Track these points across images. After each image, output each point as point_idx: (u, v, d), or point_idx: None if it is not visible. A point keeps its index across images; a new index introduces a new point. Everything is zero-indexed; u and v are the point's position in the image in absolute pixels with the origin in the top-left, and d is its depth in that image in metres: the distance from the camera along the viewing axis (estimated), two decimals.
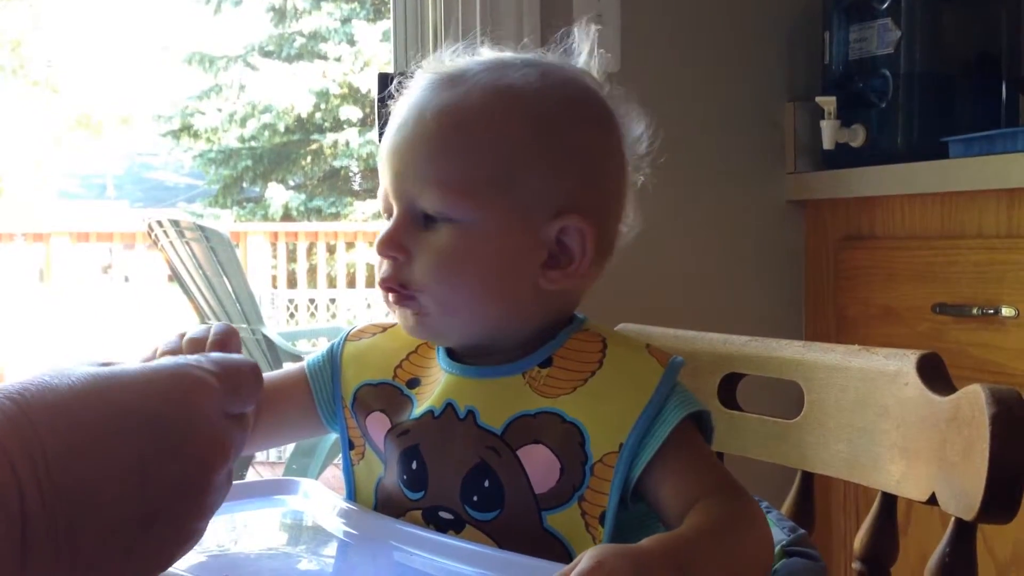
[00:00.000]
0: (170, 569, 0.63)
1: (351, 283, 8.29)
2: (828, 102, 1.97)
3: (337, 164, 10.63)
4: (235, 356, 0.66)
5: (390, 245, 0.82)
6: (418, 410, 0.84)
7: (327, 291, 7.73)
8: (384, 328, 0.91)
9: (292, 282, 8.02)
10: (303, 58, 10.57)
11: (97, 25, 12.12)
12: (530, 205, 0.81)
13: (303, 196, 10.59)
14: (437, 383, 0.85)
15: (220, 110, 10.71)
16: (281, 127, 10.48)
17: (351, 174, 10.84)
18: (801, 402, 0.97)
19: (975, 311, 1.73)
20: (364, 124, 10.21)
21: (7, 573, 0.53)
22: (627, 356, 0.82)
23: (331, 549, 0.84)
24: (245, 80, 10.66)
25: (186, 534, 0.61)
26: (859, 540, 0.91)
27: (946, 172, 1.79)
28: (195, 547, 0.77)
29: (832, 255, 2.04)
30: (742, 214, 2.07)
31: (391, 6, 1.91)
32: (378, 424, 0.86)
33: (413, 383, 0.87)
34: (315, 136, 10.55)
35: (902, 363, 0.88)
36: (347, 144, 10.36)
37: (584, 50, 0.88)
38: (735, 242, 2.07)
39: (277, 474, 4.31)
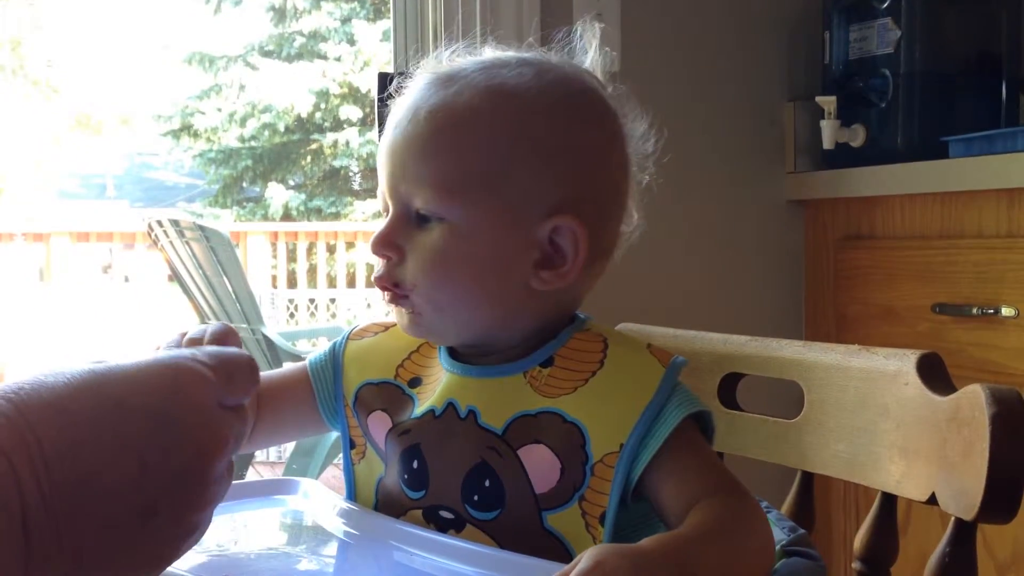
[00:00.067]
0: (170, 569, 0.63)
1: (351, 283, 8.30)
2: (828, 102, 1.97)
3: (337, 164, 10.63)
4: (230, 349, 0.66)
5: (384, 244, 0.83)
6: (419, 409, 0.84)
7: (327, 291, 7.73)
8: (386, 327, 0.91)
9: (292, 282, 8.02)
10: (303, 58, 10.57)
11: (97, 25, 12.13)
12: (522, 205, 0.81)
13: (303, 196, 10.59)
14: (438, 382, 0.85)
15: (220, 110, 10.71)
16: (281, 127, 10.48)
17: (351, 174, 10.84)
18: (801, 402, 0.97)
19: (975, 311, 1.73)
20: (364, 124, 10.20)
21: (10, 570, 0.53)
22: (628, 356, 0.82)
23: (331, 549, 0.84)
24: (245, 80, 10.66)
25: (188, 526, 0.60)
26: (859, 540, 0.91)
27: (946, 172, 1.79)
28: (195, 547, 0.78)
29: (832, 255, 2.04)
30: (742, 214, 2.08)
31: (391, 6, 1.91)
32: (379, 423, 0.86)
33: (415, 382, 0.87)
34: (315, 136, 10.55)
35: (902, 363, 0.88)
36: (347, 144, 10.36)
37: (590, 48, 0.88)
38: (735, 242, 2.08)
39: (277, 474, 4.31)
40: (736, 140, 2.07)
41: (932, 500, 0.84)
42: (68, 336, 6.83)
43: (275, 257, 7.62)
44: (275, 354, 3.61)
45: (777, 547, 0.87)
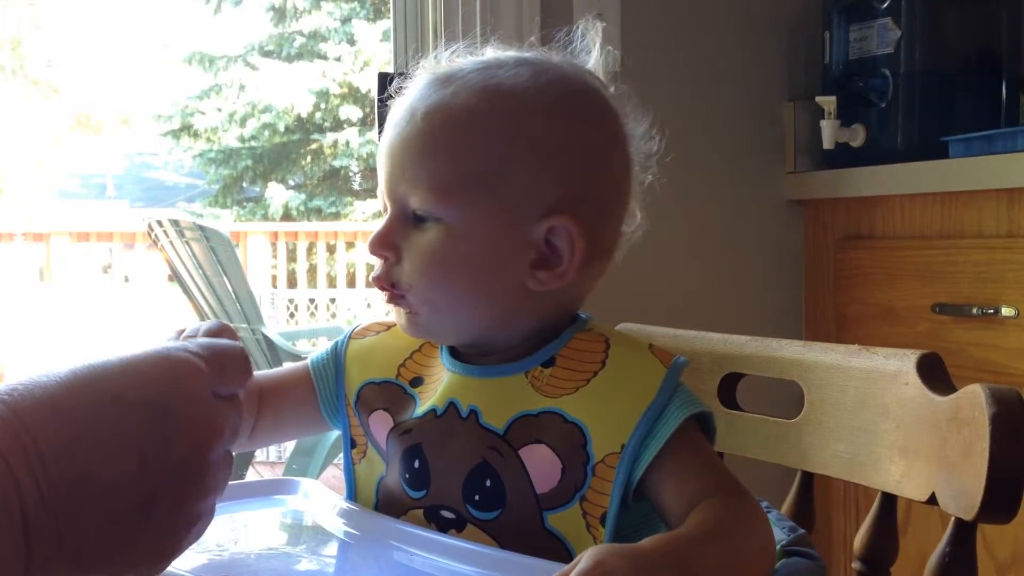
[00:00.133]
0: (170, 569, 0.63)
1: (351, 283, 8.30)
2: (828, 102, 1.97)
3: (337, 164, 10.63)
4: (221, 340, 0.66)
5: (381, 244, 0.83)
6: (421, 409, 0.84)
7: (327, 291, 7.73)
8: (388, 326, 0.91)
9: (292, 282, 8.02)
10: (303, 58, 10.57)
11: (97, 25, 12.13)
12: (518, 205, 0.81)
13: (303, 196, 10.59)
14: (440, 382, 0.85)
15: (220, 110, 10.71)
16: (281, 127, 10.47)
17: (351, 174, 10.84)
18: (801, 402, 0.97)
19: (975, 311, 1.73)
20: (364, 124, 10.20)
21: (10, 571, 0.53)
22: (630, 356, 0.82)
23: (331, 549, 0.84)
24: (245, 80, 10.66)
25: (189, 517, 0.60)
26: (859, 540, 0.91)
27: (946, 172, 1.79)
28: (195, 547, 0.78)
29: (832, 255, 2.04)
30: (742, 214, 2.08)
31: (391, 6, 1.91)
32: (381, 423, 0.86)
33: (416, 382, 0.87)
34: (315, 136, 10.55)
35: (902, 363, 0.88)
36: (347, 144, 10.36)
37: (594, 46, 0.88)
38: (735, 242, 2.08)
39: (277, 474, 4.31)
40: (736, 140, 2.07)
41: (932, 500, 0.84)
42: (68, 336, 6.83)
43: (275, 257, 7.63)
44: (275, 354, 3.61)
45: (777, 547, 0.87)
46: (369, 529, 0.83)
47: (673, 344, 1.06)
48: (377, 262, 0.84)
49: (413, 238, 0.82)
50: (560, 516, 0.79)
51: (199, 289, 3.84)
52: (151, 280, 7.61)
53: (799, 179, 2.08)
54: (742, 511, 0.75)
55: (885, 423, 0.89)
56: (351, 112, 10.27)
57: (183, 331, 0.82)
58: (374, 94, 1.95)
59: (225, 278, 3.67)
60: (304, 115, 10.37)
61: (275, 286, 7.52)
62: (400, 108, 0.84)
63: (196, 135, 10.77)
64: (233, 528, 0.88)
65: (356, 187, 10.78)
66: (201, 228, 3.77)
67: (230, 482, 0.88)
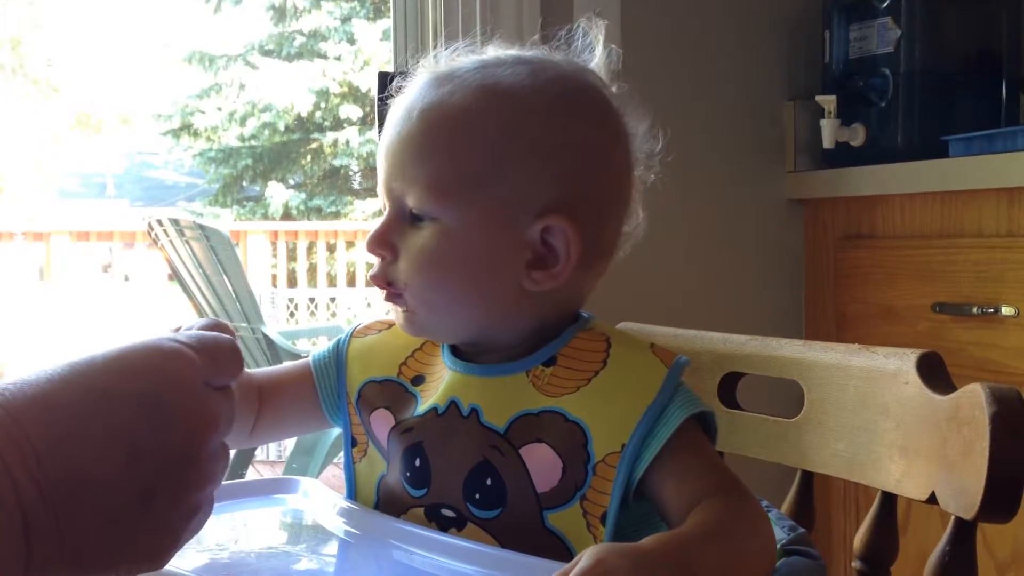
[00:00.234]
0: (170, 568, 0.63)
1: (351, 282, 8.30)
2: (828, 101, 1.97)
3: (337, 163, 10.63)
4: (211, 332, 0.66)
5: (378, 243, 0.83)
6: (422, 407, 0.84)
7: (327, 290, 7.74)
8: (390, 325, 0.91)
9: (292, 281, 8.02)
10: (303, 57, 10.56)
11: (97, 24, 12.13)
12: (513, 205, 0.81)
13: (303, 195, 10.59)
14: (441, 380, 0.85)
15: (220, 109, 10.71)
16: (281, 126, 10.47)
17: (351, 173, 10.84)
18: (801, 401, 0.97)
19: (975, 310, 1.73)
20: (364, 123, 10.20)
21: (12, 570, 0.53)
22: (631, 356, 0.82)
23: (331, 548, 0.84)
24: (245, 79, 10.66)
25: (188, 508, 0.60)
26: (859, 539, 0.92)
27: (946, 171, 1.79)
28: (195, 546, 0.78)
29: (832, 254, 2.04)
30: (742, 213, 2.08)
31: (391, 5, 1.92)
32: (382, 421, 0.86)
33: (417, 380, 0.87)
34: (315, 135, 10.55)
35: (902, 362, 0.88)
36: (347, 143, 10.36)
37: (598, 45, 0.88)
38: (735, 241, 2.08)
39: (277, 473, 4.31)
40: (736, 139, 2.07)
41: (932, 499, 0.84)
42: (68, 335, 6.83)
43: (275, 256, 7.63)
44: (275, 353, 3.61)
45: (777, 546, 0.87)
46: (369, 528, 0.83)
47: (673, 343, 1.06)
48: (375, 260, 0.85)
49: (410, 237, 0.82)
50: (560, 515, 0.79)
51: (199, 288, 3.84)
52: (151, 279, 7.61)
53: (799, 178, 2.08)
54: (743, 511, 0.75)
55: (885, 422, 0.89)
56: (351, 111, 10.27)
57: (178, 328, 0.82)
58: (374, 93, 1.95)
59: (225, 277, 3.67)
60: (304, 114, 10.37)
61: (275, 285, 7.52)
62: (399, 107, 0.84)
63: (196, 134, 10.77)
64: (233, 527, 0.88)
65: (356, 186, 10.78)
66: (201, 227, 3.77)
67: (230, 481, 0.89)
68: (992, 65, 1.91)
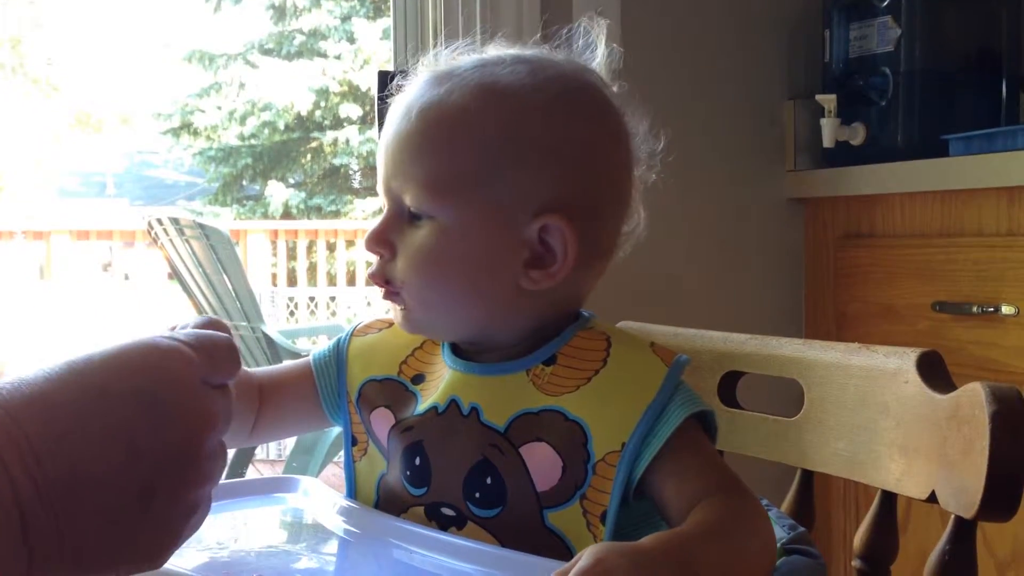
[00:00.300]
0: (171, 567, 0.63)
1: (351, 281, 8.30)
2: (828, 100, 1.97)
3: (337, 162, 10.63)
4: (208, 331, 0.66)
5: (376, 241, 0.83)
6: (422, 406, 0.84)
7: (327, 289, 7.74)
8: (390, 324, 0.91)
9: (292, 280, 8.02)
10: (303, 56, 10.56)
11: (97, 23, 12.13)
12: (510, 204, 0.81)
13: (303, 194, 10.59)
14: (442, 379, 0.85)
15: (220, 108, 10.71)
16: (281, 125, 10.47)
17: (351, 172, 10.84)
18: (801, 400, 0.97)
19: (975, 309, 1.73)
20: (364, 122, 10.20)
21: (13, 566, 0.53)
22: (631, 355, 0.82)
23: (331, 547, 0.84)
24: (245, 78, 10.66)
25: (189, 505, 0.60)
26: (859, 538, 0.92)
27: (946, 170, 1.79)
28: (195, 546, 0.78)
29: (832, 253, 2.04)
30: (742, 212, 2.08)
31: (391, 4, 1.92)
32: (382, 420, 0.86)
33: (418, 379, 0.87)
34: (315, 134, 10.55)
35: (902, 361, 0.88)
36: (347, 142, 10.36)
37: (600, 44, 0.88)
38: (735, 240, 2.08)
39: (277, 472, 4.31)
40: (736, 138, 2.07)
41: (932, 498, 0.84)
42: (68, 334, 6.83)
43: (275, 255, 7.63)
44: (275, 352, 3.61)
45: (777, 545, 0.87)
46: (369, 527, 0.83)
47: (673, 342, 1.06)
48: (374, 259, 0.85)
49: (408, 235, 0.82)
50: (560, 514, 0.79)
51: (199, 287, 3.84)
52: (151, 278, 7.62)
53: (799, 177, 2.08)
54: (743, 510, 0.75)
55: (885, 421, 0.89)
56: (351, 110, 10.27)
57: (174, 328, 0.82)
58: (374, 92, 1.95)
59: (225, 276, 3.67)
60: (304, 113, 10.38)
61: (275, 284, 7.52)
62: (398, 106, 0.85)
63: (196, 133, 10.77)
64: (233, 526, 0.88)
65: (356, 185, 10.78)
66: (201, 226, 3.77)
67: (230, 480, 0.89)
68: (992, 64, 1.91)
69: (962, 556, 0.83)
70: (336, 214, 10.40)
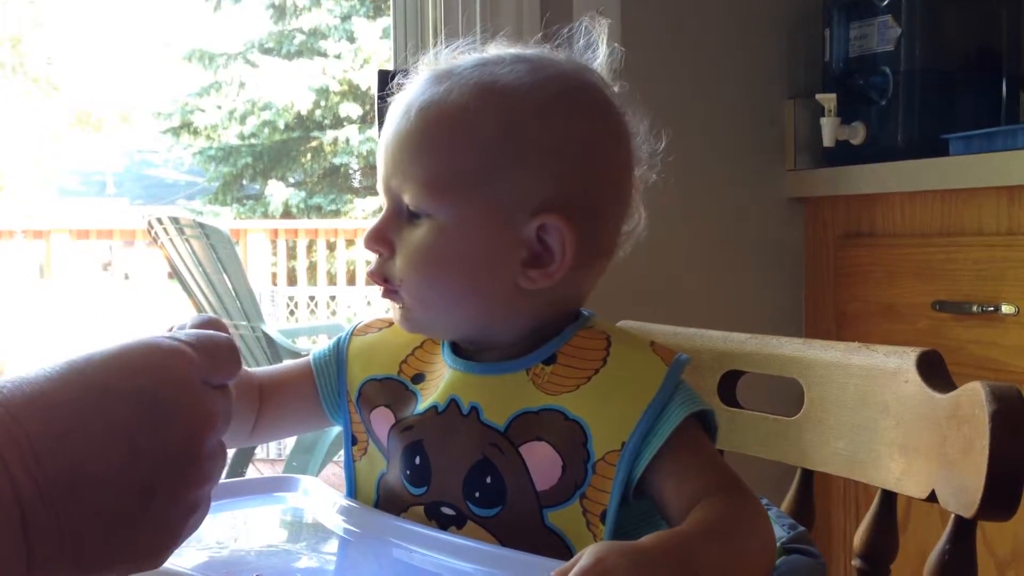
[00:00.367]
0: (171, 567, 0.63)
1: (351, 280, 8.30)
2: (828, 99, 1.97)
3: (337, 161, 10.63)
4: (209, 331, 0.66)
5: (375, 239, 0.83)
6: (422, 406, 0.84)
7: (327, 288, 7.74)
8: (390, 323, 0.91)
9: (292, 279, 8.02)
10: (303, 55, 10.56)
11: (97, 22, 12.13)
12: (508, 203, 0.81)
13: (303, 193, 10.60)
14: (442, 379, 0.85)
15: (220, 107, 10.71)
16: (281, 124, 10.48)
17: (351, 171, 10.84)
18: (801, 399, 0.97)
19: (975, 308, 1.73)
20: (364, 121, 10.20)
21: (13, 565, 0.53)
22: (631, 354, 0.82)
23: (331, 546, 0.84)
24: (245, 77, 10.66)
25: (187, 506, 0.60)
26: (859, 537, 0.92)
27: (946, 169, 1.79)
28: (196, 545, 0.78)
29: (832, 252, 2.04)
30: (742, 211, 2.08)
31: (391, 3, 1.92)
32: (382, 419, 0.86)
33: (418, 378, 0.87)
34: (315, 133, 10.55)
35: (902, 360, 0.88)
36: (347, 141, 10.36)
37: (601, 43, 0.88)
38: (735, 239, 2.08)
39: (277, 471, 4.31)
40: (736, 138, 2.07)
41: (932, 497, 0.84)
42: (68, 333, 6.83)
43: (275, 255, 7.63)
44: (275, 351, 3.61)
45: (777, 544, 0.87)
46: (369, 526, 0.83)
47: (673, 342, 1.06)
48: (373, 257, 0.85)
49: (407, 234, 0.82)
50: (560, 513, 0.79)
51: (199, 286, 3.84)
52: (151, 277, 7.62)
53: (799, 177, 2.08)
54: (743, 509, 0.75)
55: (885, 420, 0.89)
56: (351, 110, 10.27)
57: (171, 329, 0.82)
58: (374, 91, 1.95)
59: (225, 276, 3.67)
60: (304, 112, 10.38)
61: (275, 284, 7.52)
62: (398, 104, 0.85)
63: (196, 132, 10.77)
64: (233, 525, 0.88)
65: (356, 184, 10.78)
66: (201, 226, 3.77)
67: (230, 479, 0.88)
68: (992, 63, 1.91)
69: (962, 555, 0.83)
70: (336, 213, 10.40)
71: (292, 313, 7.35)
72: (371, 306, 7.13)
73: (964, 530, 0.83)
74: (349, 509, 0.86)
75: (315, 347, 1.05)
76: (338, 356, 0.91)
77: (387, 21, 3.34)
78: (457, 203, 0.81)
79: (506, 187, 0.81)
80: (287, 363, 0.96)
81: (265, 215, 10.34)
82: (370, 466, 0.89)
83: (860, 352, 0.93)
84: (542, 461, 0.79)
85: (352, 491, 0.90)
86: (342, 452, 0.92)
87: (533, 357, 0.83)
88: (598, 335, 0.84)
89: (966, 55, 1.91)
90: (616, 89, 0.87)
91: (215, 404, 0.62)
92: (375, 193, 0.88)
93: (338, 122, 10.42)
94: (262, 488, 0.94)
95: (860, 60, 1.96)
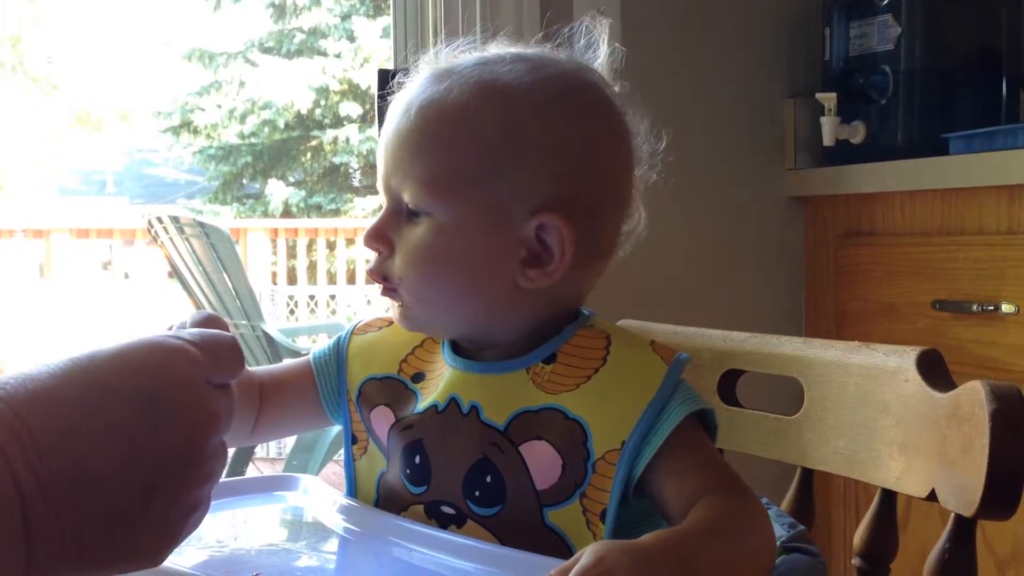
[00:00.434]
0: (171, 565, 0.63)
1: (351, 279, 8.30)
2: (828, 98, 1.97)
3: (337, 160, 10.63)
4: (212, 330, 0.66)
5: (375, 237, 0.83)
6: (422, 405, 0.84)
7: (327, 287, 7.74)
8: (390, 322, 0.91)
9: (292, 278, 8.03)
10: (303, 54, 10.56)
11: (97, 21, 12.13)
12: (509, 202, 0.81)
13: (303, 192, 10.59)
14: (442, 378, 0.85)
15: (220, 106, 10.71)
16: (281, 123, 10.48)
17: (351, 170, 10.84)
18: (801, 398, 0.97)
19: (975, 307, 1.73)
20: (364, 120, 10.20)
21: (13, 563, 0.53)
22: (631, 353, 0.82)
23: (331, 545, 0.84)
24: (245, 76, 10.66)
25: (187, 505, 0.60)
26: (859, 536, 0.92)
27: (946, 168, 1.79)
28: (196, 544, 0.78)
29: (832, 251, 2.04)
30: (742, 210, 2.08)
31: (391, 2, 1.92)
32: (382, 418, 0.86)
33: (418, 377, 0.87)
34: (315, 132, 10.55)
35: (902, 359, 0.88)
36: (347, 140, 10.36)
37: (602, 43, 0.88)
38: (735, 238, 2.08)
39: (277, 470, 4.31)
40: (736, 137, 2.07)
41: (932, 496, 0.84)
42: (68, 333, 6.83)
43: (275, 254, 7.63)
44: (275, 350, 3.61)
45: (777, 543, 0.87)
46: (369, 525, 0.83)
47: (673, 341, 1.06)
48: (372, 256, 0.85)
49: (406, 232, 0.82)
50: (560, 512, 0.79)
51: (199, 286, 3.84)
52: (151, 277, 7.62)
53: (799, 176, 2.08)
54: (743, 508, 0.75)
55: (885, 419, 0.89)
56: (351, 109, 10.27)
57: (171, 327, 0.82)
58: (374, 91, 1.95)
59: (225, 275, 3.67)
60: (304, 112, 10.38)
61: (275, 283, 7.53)
62: (398, 103, 0.85)
63: (196, 132, 10.77)
64: (233, 524, 0.88)
65: (356, 184, 10.78)
66: (201, 225, 3.77)
67: (230, 478, 0.89)
68: (992, 62, 1.91)
69: (962, 554, 0.83)
70: (336, 212, 10.40)
71: (292, 312, 7.35)
72: (371, 305, 7.13)
73: (964, 529, 0.83)
74: (349, 508, 0.86)
75: (315, 346, 1.05)
76: (338, 355, 0.91)
77: (387, 20, 3.34)
78: (457, 202, 0.81)
79: (506, 186, 0.81)
80: (287, 362, 0.96)
81: (265, 214, 10.34)
82: (370, 465, 0.89)
83: (860, 351, 0.93)
84: (542, 460, 0.79)
85: (352, 490, 0.90)
86: (342, 451, 0.92)
87: (533, 356, 0.83)
88: (598, 334, 0.84)
89: (966, 54, 1.91)
90: (616, 89, 0.87)
91: (218, 404, 0.62)
92: (375, 192, 0.88)
93: (338, 121, 10.42)
94: (262, 487, 0.94)
95: (860, 59, 1.96)
